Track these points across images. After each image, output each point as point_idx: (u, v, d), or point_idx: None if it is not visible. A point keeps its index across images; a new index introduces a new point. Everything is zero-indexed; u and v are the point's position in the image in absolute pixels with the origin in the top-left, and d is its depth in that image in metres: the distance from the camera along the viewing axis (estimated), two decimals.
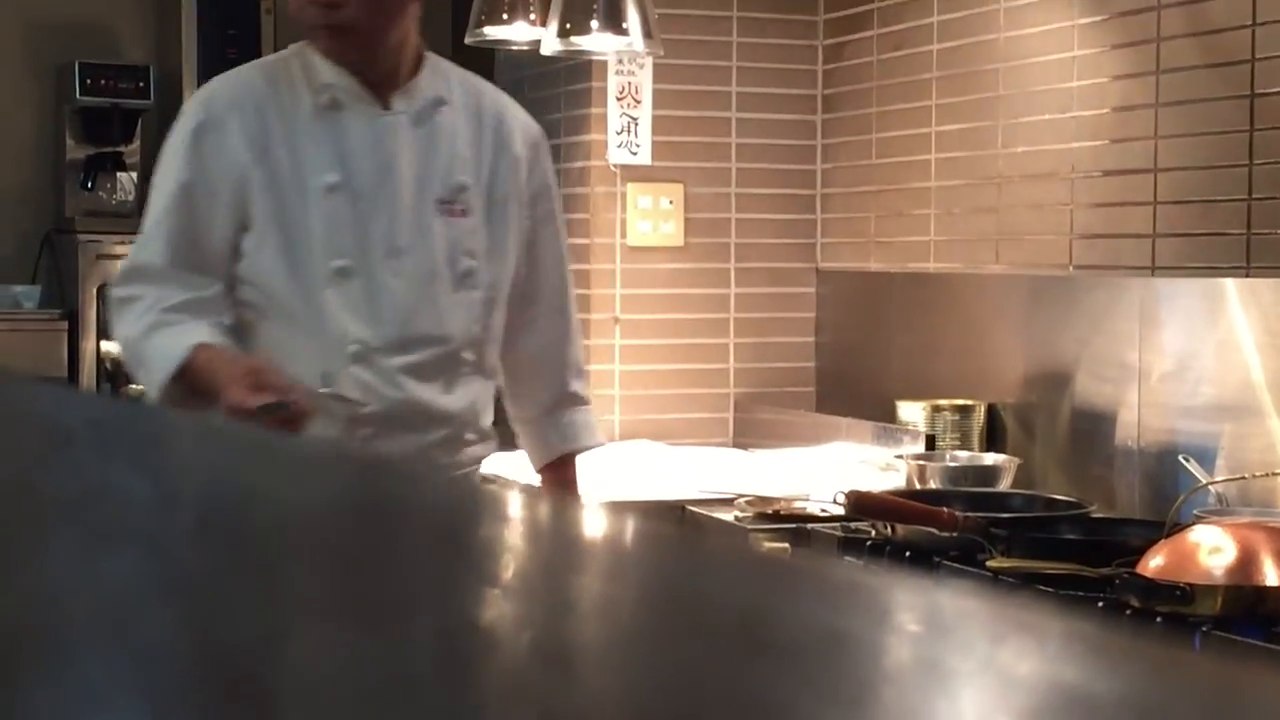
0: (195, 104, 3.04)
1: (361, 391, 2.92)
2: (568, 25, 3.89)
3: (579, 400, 3.26)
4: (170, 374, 2.82)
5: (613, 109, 4.69)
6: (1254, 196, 3.45)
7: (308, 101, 2.98)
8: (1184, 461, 3.43)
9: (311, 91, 2.98)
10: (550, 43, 3.92)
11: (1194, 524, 2.97)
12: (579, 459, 3.29)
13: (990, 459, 3.94)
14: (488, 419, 3.11)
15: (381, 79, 2.99)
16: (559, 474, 3.26)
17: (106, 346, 5.95)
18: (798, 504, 3.70)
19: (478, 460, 3.10)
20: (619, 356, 4.71)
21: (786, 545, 3.49)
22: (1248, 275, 3.45)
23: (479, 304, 3.03)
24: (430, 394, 2.97)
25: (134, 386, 3.31)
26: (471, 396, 3.04)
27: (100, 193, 6.43)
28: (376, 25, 2.94)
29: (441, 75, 3.07)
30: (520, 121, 3.14)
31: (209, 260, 2.95)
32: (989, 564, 3.06)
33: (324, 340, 2.93)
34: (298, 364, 2.91)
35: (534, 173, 3.13)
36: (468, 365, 3.02)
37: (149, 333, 2.90)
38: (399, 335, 2.95)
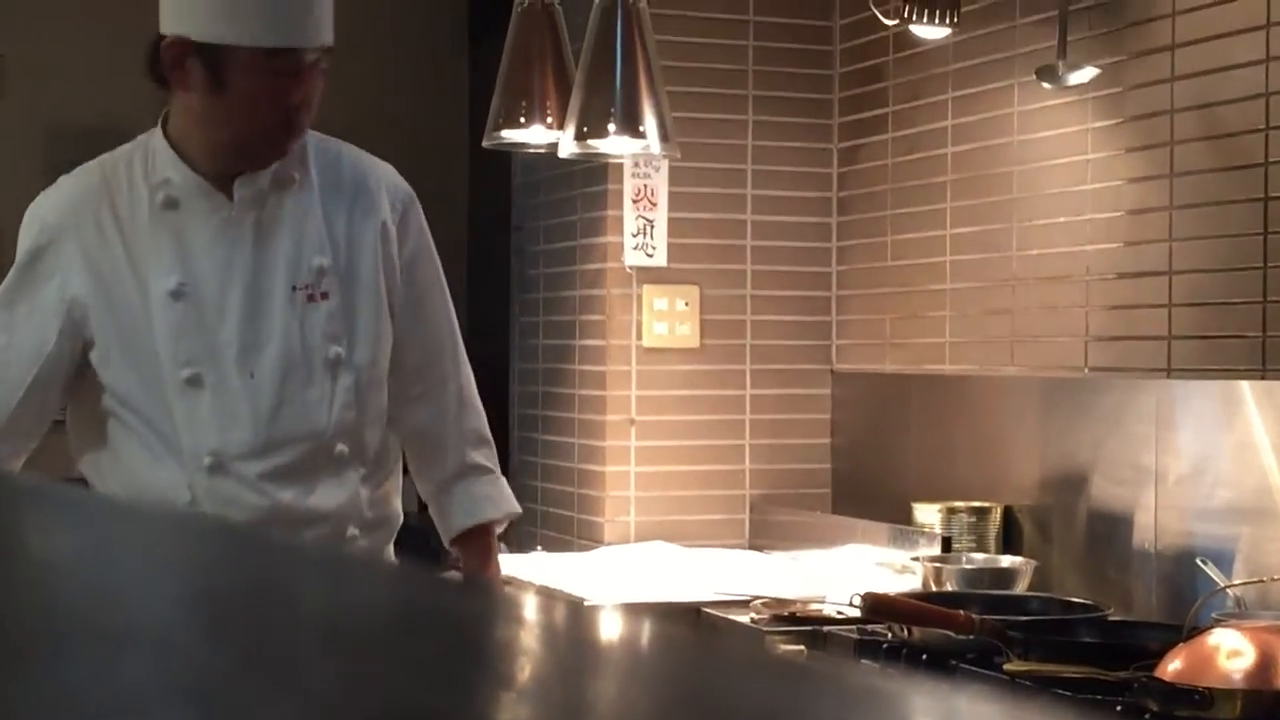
0: (33, 221, 2.92)
1: (222, 505, 2.80)
2: (584, 128, 3.92)
3: (482, 470, 3.11)
4: None
5: (629, 211, 4.71)
6: (1269, 299, 3.46)
7: (145, 201, 2.87)
8: (1201, 564, 3.42)
9: (149, 189, 2.87)
10: (567, 145, 3.95)
11: (1212, 627, 2.95)
12: (494, 530, 3.15)
13: (1007, 561, 3.92)
14: (380, 507, 2.99)
15: (235, 169, 2.87)
16: (471, 547, 3.13)
17: None
18: (814, 606, 3.69)
19: (373, 550, 2.97)
20: (635, 458, 4.71)
21: (802, 648, 3.47)
22: (1264, 378, 3.45)
23: (350, 390, 2.90)
24: (299, 496, 2.86)
25: None
26: (349, 490, 2.91)
27: None
28: None
29: (295, 149, 2.92)
30: (388, 184, 2.99)
31: (27, 393, 2.87)
32: (1006, 667, 3.04)
33: (180, 454, 2.83)
34: (161, 479, 2.84)
35: (406, 237, 2.99)
36: (343, 457, 2.90)
37: None
38: (259, 439, 2.84)
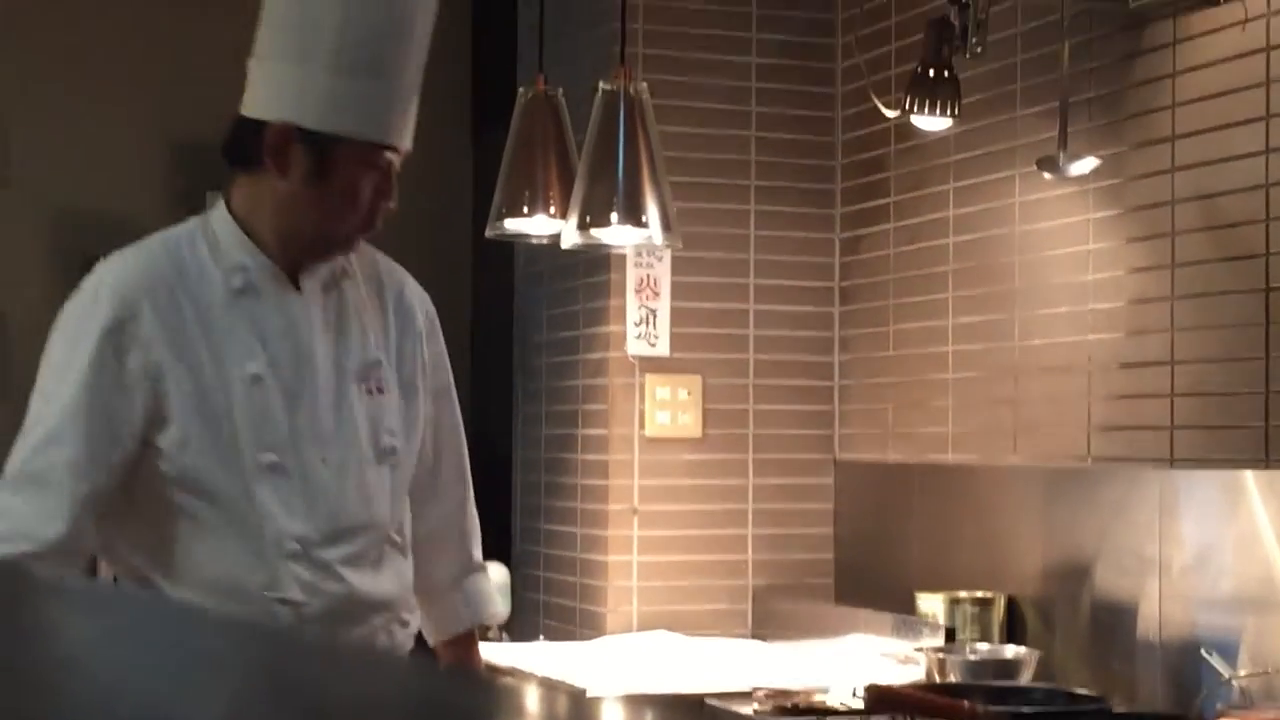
0: (106, 292, 2.81)
1: (303, 590, 2.81)
2: (587, 219, 3.93)
3: (480, 569, 3.21)
4: None
5: (631, 300, 4.72)
6: (1271, 389, 3.46)
7: (219, 283, 2.84)
8: (1206, 655, 3.41)
9: (222, 272, 2.84)
10: (570, 236, 3.96)
11: (1218, 719, 2.94)
12: (479, 631, 3.24)
13: (1010, 651, 3.91)
14: (413, 594, 3.05)
15: (301, 257, 2.89)
16: (462, 647, 3.19)
17: None
18: (817, 697, 3.67)
19: (411, 639, 3.02)
20: (637, 547, 4.70)
21: None
22: (1266, 467, 3.45)
23: (403, 482, 2.97)
24: (369, 582, 2.89)
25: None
26: (402, 577, 2.97)
27: None
28: None
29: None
30: (416, 293, 3.06)
31: (109, 477, 2.76)
32: None
33: (262, 541, 2.80)
34: (239, 568, 2.80)
35: (431, 343, 3.06)
36: (394, 546, 2.95)
37: None
38: (334, 526, 2.85)
